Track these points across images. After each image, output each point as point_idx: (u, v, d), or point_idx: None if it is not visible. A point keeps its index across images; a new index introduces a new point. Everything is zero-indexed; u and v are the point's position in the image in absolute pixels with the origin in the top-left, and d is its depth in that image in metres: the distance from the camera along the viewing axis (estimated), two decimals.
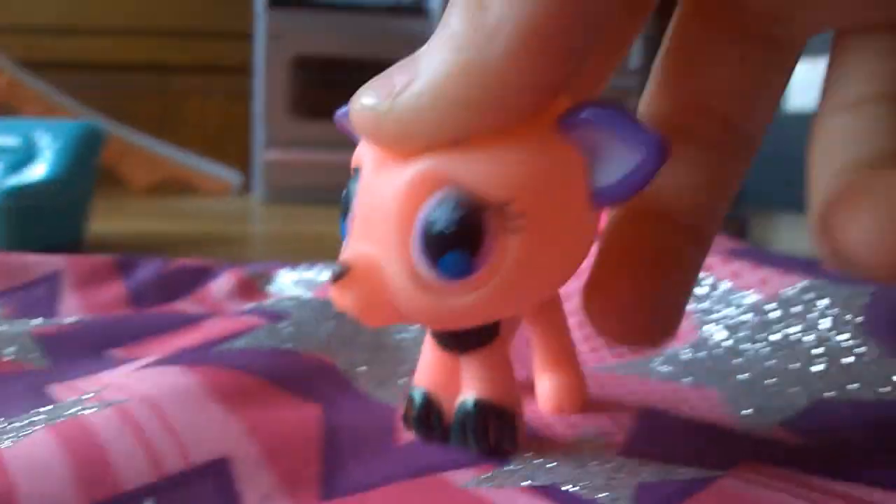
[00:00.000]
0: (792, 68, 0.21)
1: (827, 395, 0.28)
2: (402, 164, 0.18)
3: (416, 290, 0.18)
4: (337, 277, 0.18)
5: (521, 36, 0.16)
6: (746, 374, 0.31)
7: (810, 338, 0.31)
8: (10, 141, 0.74)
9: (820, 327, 0.32)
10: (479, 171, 0.17)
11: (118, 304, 0.41)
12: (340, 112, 0.21)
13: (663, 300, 0.20)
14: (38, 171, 0.71)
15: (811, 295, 0.33)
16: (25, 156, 0.73)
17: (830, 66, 0.20)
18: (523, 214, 0.17)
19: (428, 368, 0.24)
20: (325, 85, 1.70)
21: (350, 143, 0.21)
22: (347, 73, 1.68)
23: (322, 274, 0.44)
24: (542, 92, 0.17)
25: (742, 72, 0.20)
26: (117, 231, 0.87)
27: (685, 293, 0.21)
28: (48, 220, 0.69)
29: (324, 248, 0.75)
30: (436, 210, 0.17)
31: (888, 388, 0.28)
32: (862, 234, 0.17)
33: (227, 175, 1.76)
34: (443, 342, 0.23)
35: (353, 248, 0.19)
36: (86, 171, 0.73)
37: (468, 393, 0.23)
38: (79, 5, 1.99)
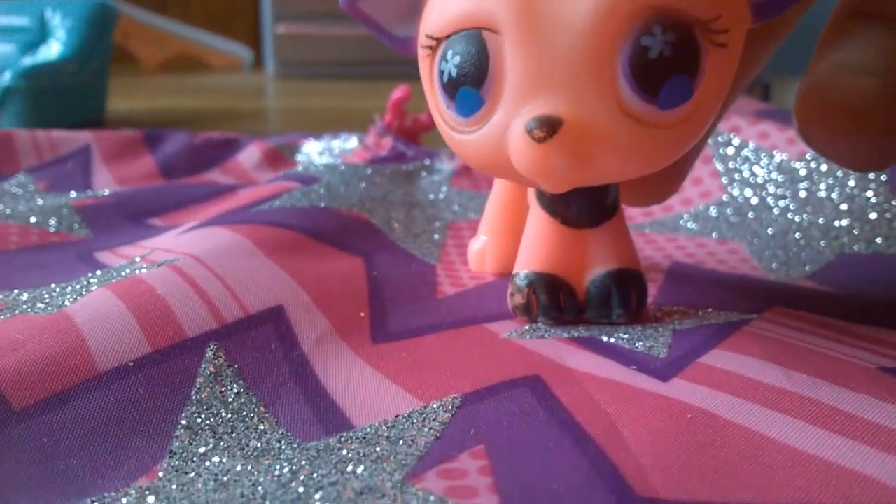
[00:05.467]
0: None
1: (852, 249, 0.29)
2: (577, 3, 0.16)
3: (631, 131, 0.17)
4: (546, 134, 0.16)
5: None
6: (772, 230, 0.31)
7: (836, 194, 0.32)
8: (21, 21, 0.72)
9: (847, 184, 0.32)
10: None
11: (149, 177, 0.42)
12: None
13: None
14: (52, 50, 0.69)
15: None
16: (38, 35, 0.71)
17: None
18: (728, 29, 0.16)
19: (544, 250, 0.22)
20: None
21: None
22: None
23: (348, 142, 0.44)
24: None
25: None
26: (135, 108, 0.87)
27: None
28: (67, 99, 0.68)
29: (341, 121, 0.75)
30: (645, 36, 0.16)
31: None
32: (815, 134, 0.18)
33: (237, 50, 1.74)
34: (572, 219, 0.22)
35: (533, 107, 0.17)
36: (101, 49, 0.72)
37: (604, 264, 0.22)
38: None
